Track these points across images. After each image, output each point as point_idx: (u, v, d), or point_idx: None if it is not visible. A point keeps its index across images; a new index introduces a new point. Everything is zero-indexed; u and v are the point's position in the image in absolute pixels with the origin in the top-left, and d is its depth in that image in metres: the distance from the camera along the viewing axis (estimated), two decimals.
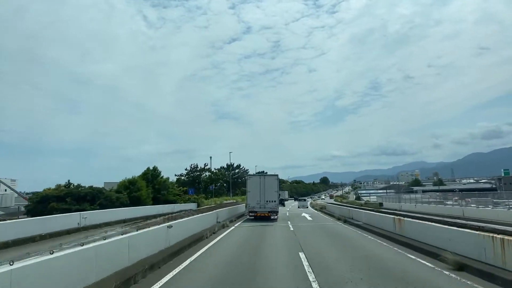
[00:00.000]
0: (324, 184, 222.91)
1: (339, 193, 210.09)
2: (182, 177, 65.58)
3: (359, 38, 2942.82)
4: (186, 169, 69.01)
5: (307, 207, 50.39)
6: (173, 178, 58.38)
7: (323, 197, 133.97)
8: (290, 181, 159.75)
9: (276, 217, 23.59)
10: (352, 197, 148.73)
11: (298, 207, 50.41)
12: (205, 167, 69.54)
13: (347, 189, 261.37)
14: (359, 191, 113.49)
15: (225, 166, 76.70)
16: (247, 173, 70.34)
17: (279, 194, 28.63)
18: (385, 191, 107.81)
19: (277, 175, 24.64)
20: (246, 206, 25.38)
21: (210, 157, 75.46)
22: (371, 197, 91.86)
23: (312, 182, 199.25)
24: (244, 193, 42.50)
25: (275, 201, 23.16)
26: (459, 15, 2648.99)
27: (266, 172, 59.67)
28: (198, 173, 67.62)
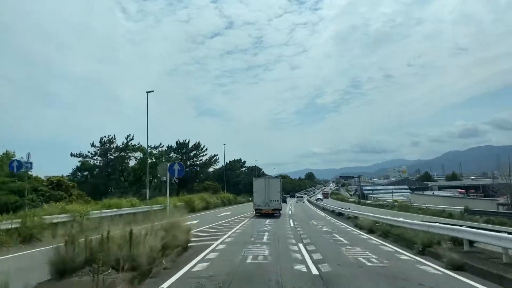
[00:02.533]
0: (310, 180, 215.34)
1: (327, 189, 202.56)
2: (89, 159, 41.07)
3: (341, 36, 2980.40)
4: (94, 146, 39.96)
5: (303, 202, 65.51)
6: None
7: (318, 194, 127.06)
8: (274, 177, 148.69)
9: (279, 214, 26.30)
10: (344, 194, 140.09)
11: (297, 203, 63.24)
12: (129, 144, 41.35)
13: (332, 185, 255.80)
14: (364, 188, 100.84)
15: (175, 146, 51.36)
16: (217, 160, 58.43)
17: (282, 194, 31.90)
18: (393, 186, 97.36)
19: (280, 177, 32.87)
20: (253, 205, 27.41)
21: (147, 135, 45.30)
22: (384, 194, 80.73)
23: (298, 177, 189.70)
24: (216, 190, 43.79)
25: (278, 200, 26.10)
26: (439, 15, 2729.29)
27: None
28: (120, 153, 41.39)
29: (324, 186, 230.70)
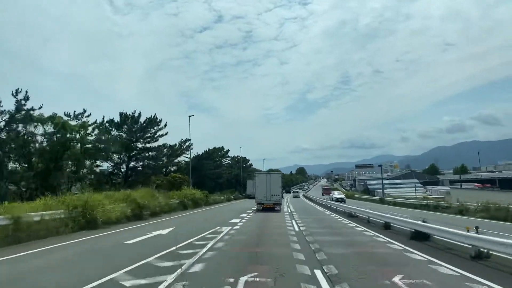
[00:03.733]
0: (301, 175, 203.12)
1: (320, 184, 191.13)
2: None
3: (330, 31, 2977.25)
4: None
5: (299, 197, 66.57)
6: None
7: (313, 189, 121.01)
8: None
9: (279, 208, 27.19)
10: (340, 189, 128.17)
11: (293, 197, 65.48)
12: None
13: (323, 180, 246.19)
14: (369, 183, 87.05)
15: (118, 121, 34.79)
16: (190, 147, 44.29)
17: (283, 189, 34.11)
18: (400, 180, 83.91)
19: (281, 173, 39.33)
20: (255, 199, 27.81)
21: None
22: (395, 189, 66.55)
23: (290, 172, 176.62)
24: (177, 186, 33.80)
25: (278, 195, 27.34)
26: (427, 11, 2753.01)
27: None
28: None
29: (316, 181, 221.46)
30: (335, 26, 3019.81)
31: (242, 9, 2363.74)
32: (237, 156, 61.58)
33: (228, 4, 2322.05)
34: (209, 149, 57.12)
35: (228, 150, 59.56)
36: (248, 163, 70.47)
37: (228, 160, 62.78)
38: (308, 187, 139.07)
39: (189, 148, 44.95)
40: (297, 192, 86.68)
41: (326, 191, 77.61)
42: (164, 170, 43.50)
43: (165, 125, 38.69)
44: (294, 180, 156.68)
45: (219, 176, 54.73)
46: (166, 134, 38.72)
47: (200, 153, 49.48)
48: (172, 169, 45.95)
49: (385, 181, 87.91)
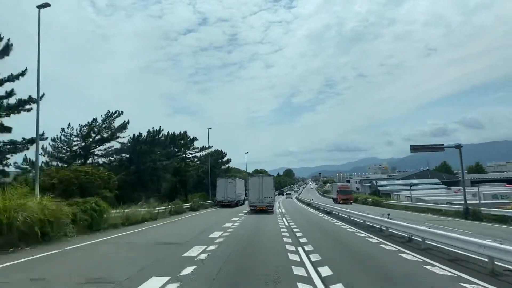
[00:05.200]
0: (289, 177, 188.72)
1: (312, 185, 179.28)
2: None
3: (315, 34, 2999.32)
4: None
5: (292, 199, 69.18)
6: None
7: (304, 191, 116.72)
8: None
9: (272, 210, 27.24)
10: (331, 190, 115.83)
11: (286, 199, 69.00)
12: None
13: (310, 183, 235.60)
14: (380, 183, 70.42)
15: None
16: (125, 127, 27.32)
17: (275, 191, 34.24)
18: (417, 181, 68.49)
19: (273, 175, 36.51)
20: (248, 202, 28.31)
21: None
22: (416, 192, 49.40)
23: (277, 174, 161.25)
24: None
25: (271, 197, 27.70)
26: (410, 16, 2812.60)
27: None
28: None
29: (305, 183, 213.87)
30: (320, 30, 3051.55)
31: (227, 12, 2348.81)
32: (205, 146, 43.03)
33: (213, 6, 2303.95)
34: (154, 129, 36.25)
35: (195, 138, 41.20)
36: (225, 158, 53.06)
37: (196, 151, 44.29)
38: (299, 189, 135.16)
39: (124, 128, 27.61)
40: (290, 194, 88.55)
41: (345, 196, 45.71)
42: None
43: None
44: (283, 182, 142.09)
45: (181, 173, 37.23)
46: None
47: (143, 136, 30.64)
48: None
49: (398, 181, 73.19)
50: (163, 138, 33.76)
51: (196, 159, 43.57)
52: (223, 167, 52.59)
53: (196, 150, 42.58)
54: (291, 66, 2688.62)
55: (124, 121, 27.57)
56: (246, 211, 26.67)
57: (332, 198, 53.30)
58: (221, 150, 52.27)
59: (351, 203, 43.22)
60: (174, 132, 38.77)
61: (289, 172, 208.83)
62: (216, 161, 49.78)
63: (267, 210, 26.40)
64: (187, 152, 41.52)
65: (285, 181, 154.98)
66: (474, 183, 72.90)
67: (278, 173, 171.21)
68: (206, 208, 31.96)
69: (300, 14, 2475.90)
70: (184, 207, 26.88)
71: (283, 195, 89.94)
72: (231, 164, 56.42)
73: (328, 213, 25.79)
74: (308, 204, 42.44)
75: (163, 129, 34.07)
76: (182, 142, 39.23)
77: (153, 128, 33.00)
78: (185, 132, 39.75)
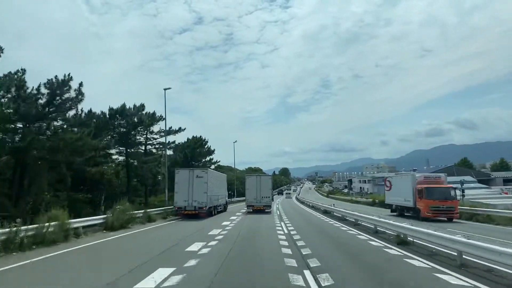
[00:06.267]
0: (285, 176, 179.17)
1: (309, 185, 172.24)
2: None
3: (311, 34, 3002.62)
4: None
5: (291, 198, 69.87)
6: None
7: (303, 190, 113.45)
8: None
9: (269, 210, 27.73)
10: (328, 188, 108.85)
11: (286, 198, 70.36)
12: None
13: (307, 183, 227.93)
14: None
15: None
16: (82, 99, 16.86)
17: (273, 191, 35.44)
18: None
19: (271, 175, 36.87)
20: (245, 201, 27.98)
21: None
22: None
23: (273, 173, 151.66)
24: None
25: (269, 197, 27.76)
26: (406, 17, 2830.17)
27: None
28: None
29: (301, 183, 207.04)
30: (316, 30, 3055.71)
31: (222, 11, 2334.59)
32: (174, 129, 30.83)
33: (209, 5, 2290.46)
34: (136, 111, 27.26)
35: (160, 118, 28.91)
36: (206, 148, 41.03)
37: (158, 137, 31.14)
38: (297, 189, 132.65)
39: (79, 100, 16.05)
40: (289, 193, 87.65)
41: (443, 203, 19.71)
42: None
43: None
44: (279, 181, 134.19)
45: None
46: None
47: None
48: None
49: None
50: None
51: (160, 146, 31.56)
52: (204, 159, 40.99)
53: (157, 137, 30.39)
54: (287, 66, 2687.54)
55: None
56: (230, 227, 15.68)
57: (390, 205, 26.98)
58: (200, 136, 40.68)
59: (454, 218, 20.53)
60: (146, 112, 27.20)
61: (285, 171, 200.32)
62: (193, 151, 38.11)
63: (264, 210, 27.03)
64: (143, 133, 29.40)
65: (281, 180, 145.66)
66: (506, 182, 62.56)
67: (274, 172, 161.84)
68: (154, 222, 18.60)
69: (296, 14, 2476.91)
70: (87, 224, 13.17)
71: (282, 194, 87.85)
72: (216, 158, 44.74)
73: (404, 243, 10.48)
74: (324, 212, 29.89)
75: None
76: (136, 120, 27.25)
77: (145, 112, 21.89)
78: (142, 104, 27.82)
